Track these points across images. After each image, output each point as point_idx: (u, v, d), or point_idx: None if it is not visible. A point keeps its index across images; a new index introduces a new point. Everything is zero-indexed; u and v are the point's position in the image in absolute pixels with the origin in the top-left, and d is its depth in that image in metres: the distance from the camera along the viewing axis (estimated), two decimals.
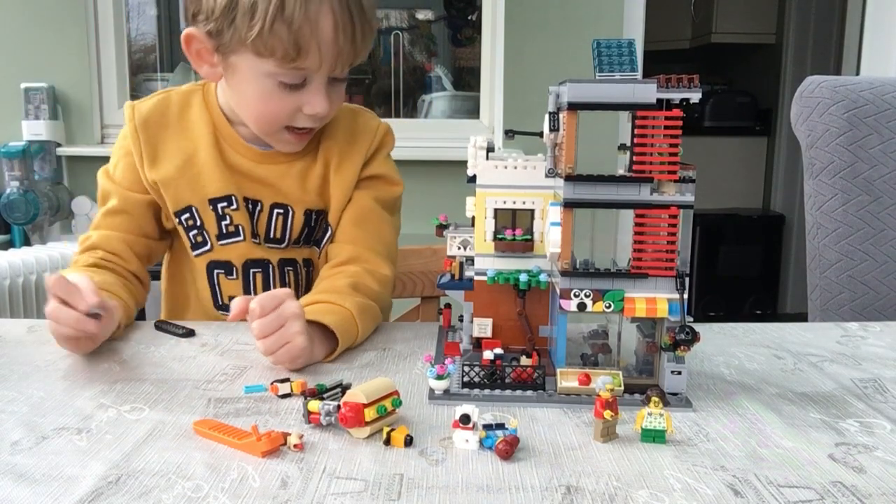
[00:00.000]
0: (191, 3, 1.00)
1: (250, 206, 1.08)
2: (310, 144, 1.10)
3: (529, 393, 0.74)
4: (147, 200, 1.08)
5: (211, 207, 1.07)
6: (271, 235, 1.10)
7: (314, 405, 0.67)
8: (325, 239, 1.11)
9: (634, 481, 0.58)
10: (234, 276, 1.09)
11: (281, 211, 1.09)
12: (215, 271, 1.09)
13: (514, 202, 0.83)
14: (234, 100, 1.06)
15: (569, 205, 0.73)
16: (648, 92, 0.70)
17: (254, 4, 0.93)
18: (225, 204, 1.07)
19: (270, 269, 1.10)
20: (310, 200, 1.10)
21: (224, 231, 1.07)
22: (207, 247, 1.08)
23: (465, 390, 0.75)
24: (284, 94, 0.99)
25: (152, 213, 1.10)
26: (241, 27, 0.94)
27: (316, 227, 1.11)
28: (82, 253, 1.06)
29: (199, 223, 1.07)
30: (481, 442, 0.63)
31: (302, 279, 1.12)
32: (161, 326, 0.99)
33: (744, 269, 4.19)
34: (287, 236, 1.10)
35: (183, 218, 1.07)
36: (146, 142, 1.07)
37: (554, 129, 0.75)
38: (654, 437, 0.65)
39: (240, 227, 1.07)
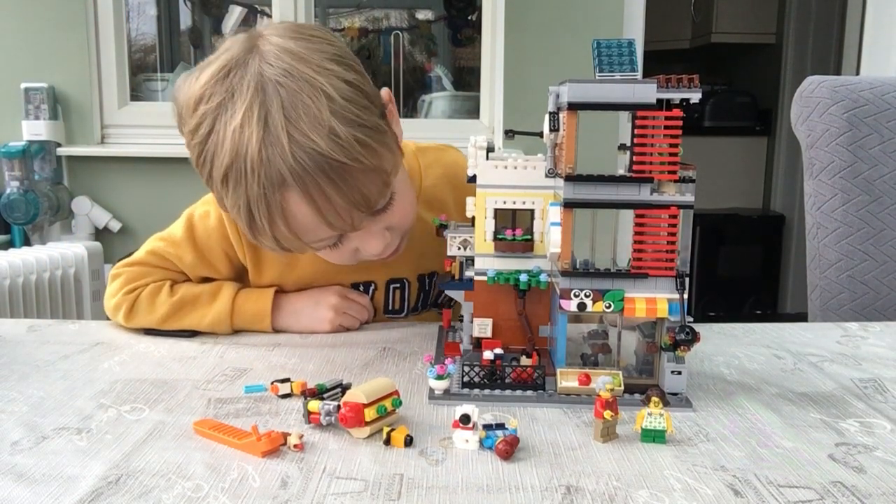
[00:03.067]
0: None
1: (361, 287, 1.05)
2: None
3: (529, 393, 0.74)
4: (219, 276, 1.03)
5: None
6: (390, 308, 1.08)
7: (314, 405, 0.67)
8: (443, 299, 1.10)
9: (634, 481, 0.58)
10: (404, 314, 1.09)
11: (397, 286, 1.07)
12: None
13: (514, 202, 0.83)
14: None
15: (569, 205, 0.73)
16: (648, 92, 0.70)
17: (237, 220, 0.84)
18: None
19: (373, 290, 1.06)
20: (424, 266, 1.07)
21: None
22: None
23: (465, 390, 0.75)
24: (335, 249, 0.90)
25: (204, 280, 1.03)
26: (233, 198, 0.81)
27: (430, 289, 1.10)
28: (138, 290, 1.00)
29: None
30: (481, 442, 0.63)
31: None
32: (158, 331, 0.99)
33: (744, 269, 4.19)
34: (405, 306, 1.09)
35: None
36: (249, 247, 1.00)
37: (554, 129, 0.75)
38: (654, 437, 0.65)
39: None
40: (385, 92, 0.92)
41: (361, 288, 1.06)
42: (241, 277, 1.05)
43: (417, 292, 1.09)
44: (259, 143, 0.76)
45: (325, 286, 1.03)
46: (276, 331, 1.00)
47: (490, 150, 0.84)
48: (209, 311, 0.98)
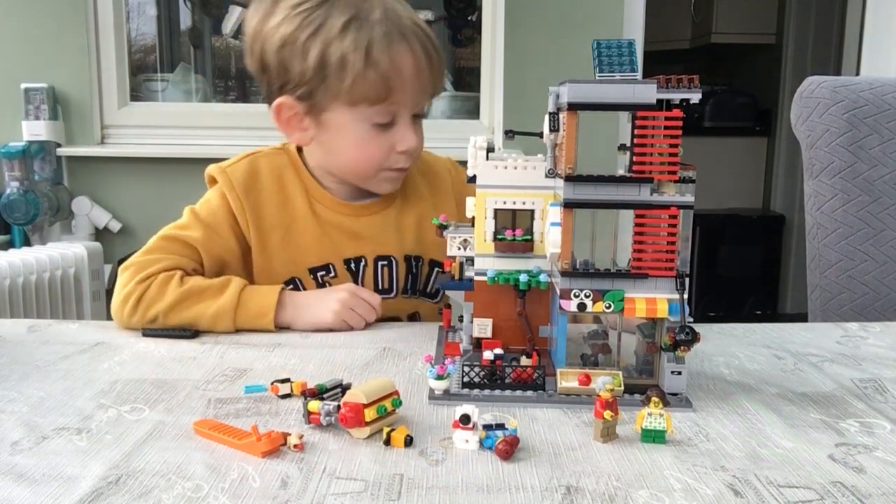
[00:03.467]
0: (277, 77, 1.05)
1: (353, 264, 1.12)
2: (401, 193, 1.16)
3: (529, 393, 0.74)
4: (231, 249, 1.09)
5: (311, 276, 1.10)
6: (380, 287, 1.13)
7: (314, 405, 0.67)
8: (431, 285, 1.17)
9: (634, 481, 0.58)
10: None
11: (385, 262, 1.13)
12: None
13: (514, 202, 0.83)
14: (328, 157, 1.10)
15: (569, 205, 0.73)
16: (648, 92, 0.70)
17: (343, 59, 1.00)
18: (324, 272, 1.11)
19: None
20: (408, 247, 1.14)
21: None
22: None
23: (465, 390, 0.75)
24: (378, 135, 1.05)
25: (220, 268, 1.08)
26: (333, 82, 1.01)
27: (418, 273, 1.15)
28: (152, 277, 1.01)
29: (302, 290, 1.09)
30: (481, 442, 0.63)
31: None
32: (155, 331, 0.98)
33: (744, 269, 4.19)
34: (395, 286, 1.13)
35: (289, 287, 1.06)
36: (251, 209, 1.09)
37: (554, 129, 0.75)
38: (654, 437, 0.65)
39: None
40: None
41: (353, 265, 1.11)
42: (246, 256, 1.10)
43: (405, 273, 1.14)
44: (381, 5, 1.02)
45: (335, 286, 1.06)
46: (278, 327, 1.00)
47: (490, 150, 0.84)
48: (214, 303, 0.99)
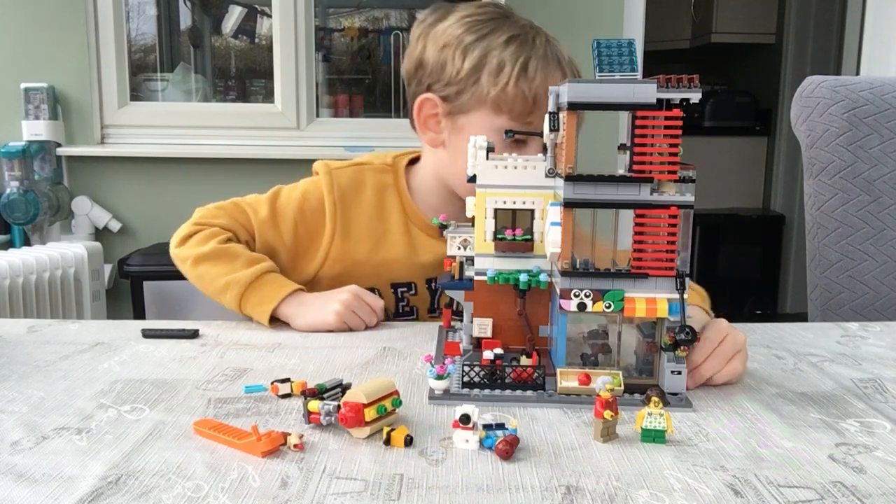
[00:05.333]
0: (430, 74, 1.09)
1: (433, 284, 1.15)
2: None
3: (529, 393, 0.74)
4: (285, 245, 1.13)
5: (392, 290, 1.14)
6: (401, 311, 1.16)
7: (314, 405, 0.67)
8: None
9: (634, 481, 0.58)
10: (415, 317, 1.16)
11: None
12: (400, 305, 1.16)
13: (514, 202, 0.83)
14: (451, 164, 1.10)
15: (569, 205, 0.73)
16: (648, 92, 0.70)
17: (500, 64, 1.04)
18: (405, 289, 1.14)
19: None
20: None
21: (400, 310, 1.15)
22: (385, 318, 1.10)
23: (465, 390, 0.75)
24: (509, 149, 1.01)
25: (269, 254, 1.11)
26: (485, 85, 1.04)
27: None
28: (210, 227, 1.10)
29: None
30: (481, 442, 0.63)
31: None
32: (155, 332, 0.99)
33: (744, 269, 4.19)
34: (416, 310, 1.16)
35: (374, 292, 1.11)
36: (342, 215, 1.13)
37: (554, 129, 0.75)
38: (654, 437, 0.65)
39: (414, 308, 1.15)
40: None
41: (433, 285, 1.14)
42: (295, 256, 1.13)
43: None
44: (544, 35, 1.09)
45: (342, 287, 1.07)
46: (275, 318, 1.02)
47: (490, 150, 0.84)
48: (234, 272, 1.04)
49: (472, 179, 0.84)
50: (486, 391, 0.75)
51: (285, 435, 0.63)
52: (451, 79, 1.06)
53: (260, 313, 1.02)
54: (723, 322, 0.85)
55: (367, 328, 1.02)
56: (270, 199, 1.15)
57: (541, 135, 0.80)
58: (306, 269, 1.14)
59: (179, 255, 1.09)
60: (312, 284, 1.14)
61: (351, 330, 1.01)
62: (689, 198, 0.72)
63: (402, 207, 1.16)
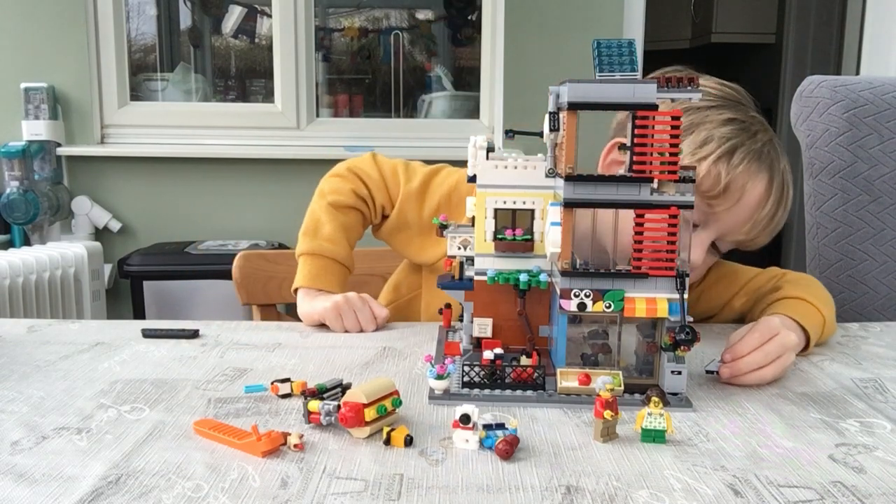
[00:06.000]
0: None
1: None
2: None
3: (529, 393, 0.74)
4: (416, 220, 1.14)
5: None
6: None
7: (314, 405, 0.67)
8: None
9: (634, 481, 0.58)
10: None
11: None
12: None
13: (514, 202, 0.83)
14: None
15: (569, 205, 0.73)
16: (648, 92, 0.70)
17: (708, 138, 0.98)
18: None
19: None
20: None
21: None
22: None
23: (465, 390, 0.75)
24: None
25: (400, 220, 1.14)
26: (686, 152, 0.97)
27: None
28: (352, 181, 1.14)
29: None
30: (481, 442, 0.63)
31: None
32: (155, 332, 0.99)
33: None
34: None
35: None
36: (449, 207, 1.13)
37: (554, 129, 0.75)
38: (654, 437, 0.65)
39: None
40: None
41: None
42: (427, 237, 1.13)
43: None
44: (771, 135, 1.04)
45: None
46: (297, 286, 1.08)
47: (490, 150, 0.84)
48: (318, 237, 1.11)
49: (473, 179, 0.84)
50: (486, 391, 0.75)
51: (285, 435, 0.63)
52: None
53: (295, 281, 1.09)
54: (775, 319, 0.85)
55: (361, 331, 1.01)
56: (428, 174, 1.16)
57: (540, 135, 0.80)
58: (432, 252, 1.14)
59: (319, 188, 1.16)
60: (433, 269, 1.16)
61: (346, 330, 1.01)
62: (689, 198, 0.72)
63: None
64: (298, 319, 1.07)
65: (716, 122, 0.99)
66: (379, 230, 1.19)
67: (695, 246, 0.96)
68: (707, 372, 0.83)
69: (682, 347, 0.71)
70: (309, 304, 1.04)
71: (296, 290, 1.09)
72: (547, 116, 0.76)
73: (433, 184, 1.15)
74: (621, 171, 0.86)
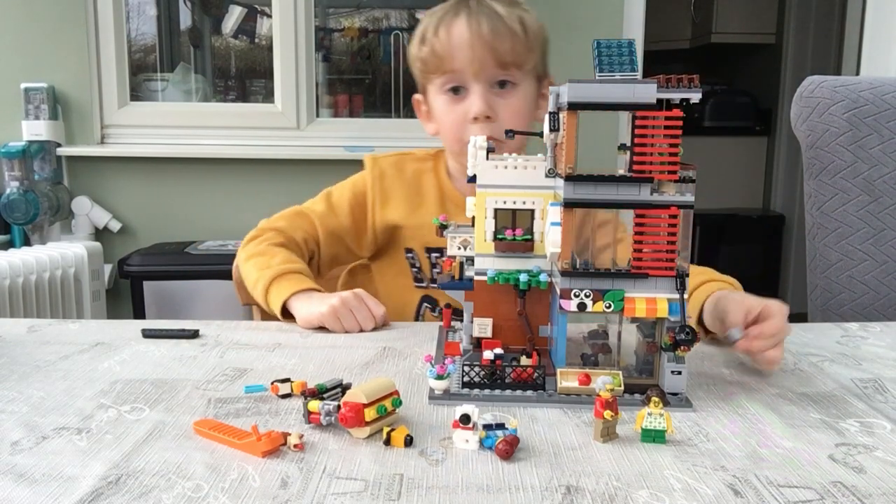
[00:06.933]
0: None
1: None
2: None
3: (529, 393, 0.74)
4: (345, 227, 1.22)
5: (426, 255, 1.21)
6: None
7: (314, 405, 0.67)
8: None
9: (634, 481, 0.58)
10: (437, 314, 1.21)
11: None
12: (423, 304, 1.22)
13: (514, 202, 0.83)
14: (443, 137, 1.19)
15: (569, 205, 0.73)
16: (648, 92, 0.70)
17: (412, 46, 1.17)
18: (438, 255, 1.19)
19: None
20: None
21: (433, 276, 1.21)
22: (423, 284, 1.22)
23: (465, 390, 0.75)
24: (453, 106, 1.14)
25: (335, 240, 1.22)
26: (414, 66, 1.18)
27: None
28: (267, 231, 1.19)
29: (418, 265, 1.22)
30: (481, 442, 0.63)
31: None
32: (155, 332, 0.99)
33: (744, 269, 4.16)
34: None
35: (407, 256, 1.22)
36: (381, 189, 1.23)
37: (554, 129, 0.75)
38: (654, 437, 0.65)
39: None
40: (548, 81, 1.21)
41: None
42: (357, 235, 1.23)
43: None
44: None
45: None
46: (284, 311, 1.06)
47: (490, 150, 0.84)
48: (263, 273, 1.10)
49: (473, 179, 0.84)
50: (486, 391, 0.75)
51: (285, 435, 0.63)
52: (413, 67, 1.18)
53: (275, 305, 1.06)
54: (781, 305, 0.90)
55: (361, 331, 1.02)
56: (325, 196, 1.24)
57: (540, 135, 0.80)
58: (366, 242, 1.23)
59: (237, 259, 1.19)
60: (375, 257, 1.26)
61: (346, 331, 1.01)
62: (689, 198, 0.72)
63: (439, 187, 1.23)
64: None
65: (431, 14, 1.16)
66: (351, 255, 1.26)
67: (473, 99, 1.11)
68: (728, 339, 0.84)
69: (682, 347, 0.71)
70: (306, 309, 1.04)
71: (283, 311, 1.06)
72: (547, 116, 0.76)
73: (334, 199, 1.23)
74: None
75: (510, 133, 0.92)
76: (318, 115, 2.70)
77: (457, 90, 1.13)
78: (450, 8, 1.14)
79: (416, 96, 1.24)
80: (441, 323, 0.99)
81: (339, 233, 1.23)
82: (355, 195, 1.24)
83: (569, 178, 0.72)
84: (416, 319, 1.24)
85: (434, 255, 1.21)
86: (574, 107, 0.72)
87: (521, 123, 1.15)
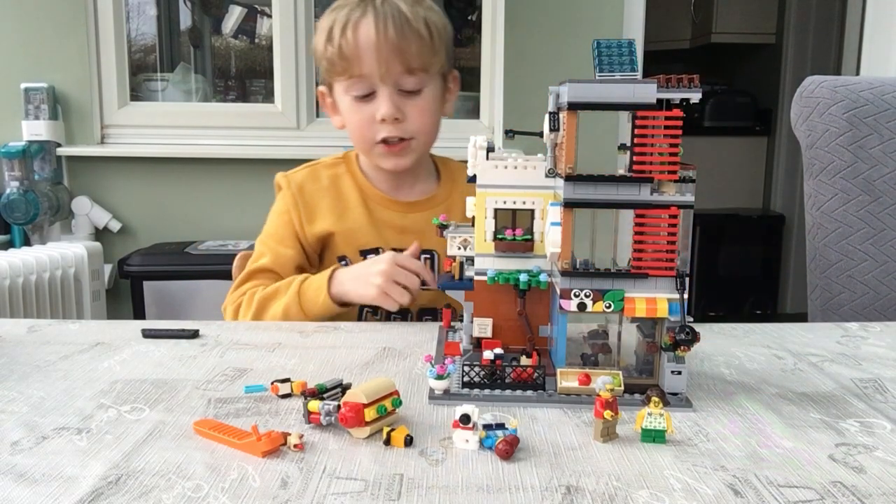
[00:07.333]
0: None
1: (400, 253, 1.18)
2: (448, 192, 1.25)
3: (529, 393, 0.74)
4: (293, 256, 1.20)
5: (361, 257, 1.20)
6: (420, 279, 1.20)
7: (314, 405, 0.67)
8: None
9: (634, 481, 0.58)
10: (379, 317, 1.19)
11: (427, 256, 1.20)
12: (364, 309, 1.19)
13: (514, 202, 0.83)
14: (349, 135, 1.20)
15: (569, 205, 0.73)
16: (648, 92, 0.70)
17: (317, 44, 1.16)
18: (374, 254, 1.19)
19: (409, 317, 1.21)
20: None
21: None
22: (347, 307, 1.13)
23: (465, 390, 0.75)
24: (361, 106, 1.16)
25: (294, 269, 1.20)
26: (320, 63, 1.18)
27: None
28: (250, 288, 1.18)
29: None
30: (481, 442, 0.63)
31: None
32: (155, 332, 0.99)
33: (744, 269, 4.19)
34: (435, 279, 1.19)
35: (342, 264, 1.19)
36: (304, 204, 1.22)
37: (554, 129, 0.75)
38: (654, 437, 0.65)
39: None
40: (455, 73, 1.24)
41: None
42: (307, 257, 1.22)
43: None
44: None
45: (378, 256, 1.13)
46: (334, 299, 1.08)
47: (490, 150, 0.84)
48: (283, 301, 1.11)
49: (473, 179, 0.84)
50: (486, 391, 0.75)
51: (285, 435, 0.63)
52: (318, 63, 1.19)
53: (323, 304, 1.08)
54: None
55: (362, 327, 1.01)
56: (262, 246, 1.23)
57: (540, 135, 0.80)
58: (313, 259, 1.23)
59: (244, 318, 1.15)
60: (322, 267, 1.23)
61: (399, 305, 1.04)
62: (689, 198, 0.72)
63: (358, 188, 1.24)
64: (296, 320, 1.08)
65: (324, 24, 1.16)
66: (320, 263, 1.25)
67: (381, 102, 1.13)
68: None
69: (682, 347, 0.71)
70: (354, 294, 1.07)
71: (329, 291, 1.08)
72: (547, 116, 0.76)
73: (269, 238, 1.22)
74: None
75: (510, 133, 0.91)
76: (318, 115, 2.70)
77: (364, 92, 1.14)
78: (356, 5, 1.13)
79: (321, 88, 1.24)
80: (441, 323, 0.99)
81: (299, 263, 1.21)
82: (284, 223, 1.22)
83: (569, 178, 0.72)
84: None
85: (370, 255, 1.20)
86: (574, 107, 0.72)
87: (430, 122, 1.18)
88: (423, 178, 1.27)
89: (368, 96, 1.14)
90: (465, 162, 1.28)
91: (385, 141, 1.16)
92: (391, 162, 1.19)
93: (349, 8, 1.13)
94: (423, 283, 1.06)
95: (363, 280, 1.06)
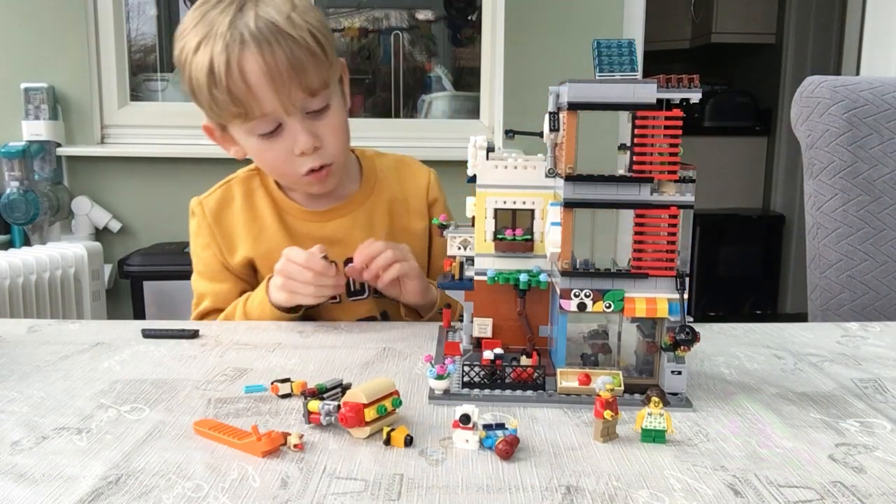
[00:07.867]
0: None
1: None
2: (368, 192, 1.20)
3: (529, 393, 0.74)
4: (231, 288, 1.17)
5: None
6: (352, 289, 1.15)
7: (314, 405, 0.67)
8: None
9: (634, 481, 0.58)
10: (338, 301, 1.15)
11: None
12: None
13: (514, 202, 0.83)
14: (261, 164, 1.14)
15: (569, 205, 0.73)
16: (648, 92, 0.70)
17: (198, 84, 1.02)
18: None
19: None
20: None
21: None
22: (298, 313, 1.08)
23: (465, 390, 0.75)
24: (271, 143, 1.06)
25: (238, 297, 1.15)
26: (204, 106, 1.05)
27: None
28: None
29: None
30: (481, 442, 0.63)
31: None
32: (155, 332, 0.99)
33: (744, 269, 4.19)
34: (366, 286, 1.15)
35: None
36: (221, 234, 1.17)
37: (554, 129, 0.75)
38: (654, 437, 0.65)
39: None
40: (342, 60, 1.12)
41: None
42: (245, 277, 1.18)
43: None
44: (230, 18, 0.99)
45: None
46: (279, 307, 1.05)
47: (490, 150, 0.84)
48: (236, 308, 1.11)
49: (472, 179, 0.84)
50: (486, 391, 0.75)
51: (285, 435, 0.63)
52: (199, 103, 1.07)
53: (270, 315, 1.06)
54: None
55: (362, 327, 1.02)
56: (197, 281, 1.20)
57: (540, 135, 0.80)
58: (252, 282, 1.17)
59: (247, 322, 1.11)
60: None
61: (334, 298, 1.06)
62: (689, 198, 0.72)
63: (272, 202, 1.17)
64: (297, 320, 1.07)
65: (191, 59, 1.02)
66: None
67: (296, 135, 1.03)
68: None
69: (682, 347, 0.71)
70: (285, 298, 1.04)
71: (270, 302, 1.06)
72: (547, 116, 0.76)
73: (206, 272, 1.19)
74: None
75: (510, 133, 0.92)
76: None
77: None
78: (226, 28, 0.98)
79: (207, 124, 1.12)
80: (441, 323, 0.99)
81: (238, 292, 1.16)
82: (210, 258, 1.18)
83: (569, 178, 0.72)
84: None
85: None
86: (574, 107, 0.72)
87: (344, 136, 1.10)
88: (346, 179, 1.19)
89: (275, 131, 1.04)
90: (378, 150, 1.28)
91: (311, 170, 1.08)
92: (320, 187, 1.12)
93: (223, 39, 0.98)
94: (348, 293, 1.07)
95: (280, 291, 1.03)
